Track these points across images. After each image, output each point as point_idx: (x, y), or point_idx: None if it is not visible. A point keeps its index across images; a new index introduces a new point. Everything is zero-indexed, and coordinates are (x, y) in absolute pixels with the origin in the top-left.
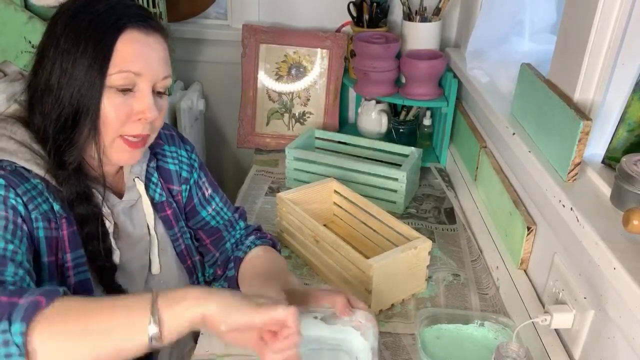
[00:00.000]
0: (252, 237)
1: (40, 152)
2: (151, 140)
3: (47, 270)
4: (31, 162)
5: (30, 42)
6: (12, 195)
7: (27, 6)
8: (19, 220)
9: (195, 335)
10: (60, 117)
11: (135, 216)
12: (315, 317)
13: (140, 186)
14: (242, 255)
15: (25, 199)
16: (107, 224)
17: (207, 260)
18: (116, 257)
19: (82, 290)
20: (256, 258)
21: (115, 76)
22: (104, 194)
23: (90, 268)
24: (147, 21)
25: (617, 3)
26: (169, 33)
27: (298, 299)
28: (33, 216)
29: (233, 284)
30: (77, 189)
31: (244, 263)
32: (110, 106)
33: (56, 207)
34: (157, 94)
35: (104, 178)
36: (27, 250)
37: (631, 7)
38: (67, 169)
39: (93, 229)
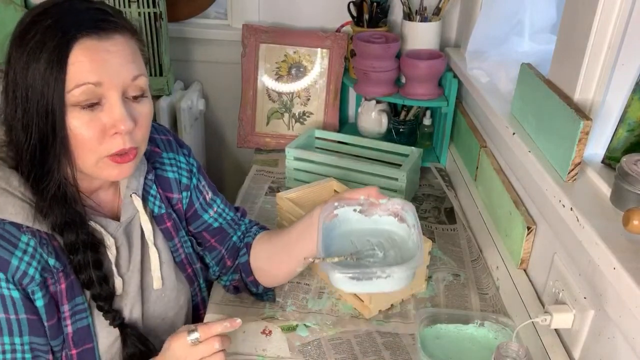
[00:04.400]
0: (256, 227)
1: (27, 192)
2: (142, 152)
3: (52, 332)
4: (20, 216)
5: None
6: (3, 284)
7: (27, 6)
8: (11, 313)
9: None
10: (30, 147)
11: (131, 235)
12: (355, 210)
13: (138, 203)
14: (251, 241)
15: (17, 276)
16: (110, 255)
17: (213, 258)
18: (119, 284)
19: (79, 338)
20: (265, 232)
21: (74, 92)
22: (90, 221)
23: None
24: (99, 26)
25: (617, 3)
26: (135, 28)
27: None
28: (29, 290)
29: (246, 270)
30: (64, 218)
31: (254, 242)
32: (79, 126)
33: (51, 261)
34: (132, 99)
35: (83, 208)
36: (36, 329)
37: (631, 7)
38: (49, 198)
39: (83, 257)
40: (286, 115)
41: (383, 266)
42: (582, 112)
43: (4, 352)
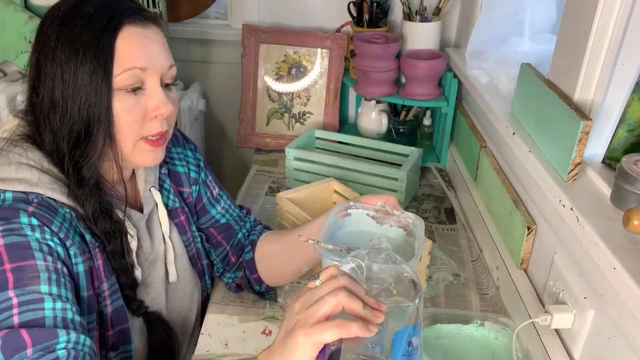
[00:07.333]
0: (260, 226)
1: (60, 175)
2: (169, 136)
3: (87, 304)
4: (57, 192)
5: (30, 42)
6: (47, 236)
7: (27, 6)
8: (59, 264)
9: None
10: (72, 132)
11: (152, 227)
12: (368, 214)
13: (157, 196)
14: (256, 238)
15: (61, 235)
16: (133, 243)
17: (218, 254)
18: (138, 274)
19: (117, 317)
20: (271, 232)
21: (121, 76)
22: (125, 209)
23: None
24: (140, 13)
25: (617, 3)
26: (161, 21)
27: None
28: (72, 252)
29: (250, 267)
30: (99, 205)
31: (260, 240)
32: (124, 109)
33: (87, 236)
34: (165, 86)
35: (125, 187)
36: (72, 294)
37: (631, 7)
38: (87, 185)
39: (117, 245)
40: (286, 115)
41: None
42: (582, 112)
43: (54, 301)
